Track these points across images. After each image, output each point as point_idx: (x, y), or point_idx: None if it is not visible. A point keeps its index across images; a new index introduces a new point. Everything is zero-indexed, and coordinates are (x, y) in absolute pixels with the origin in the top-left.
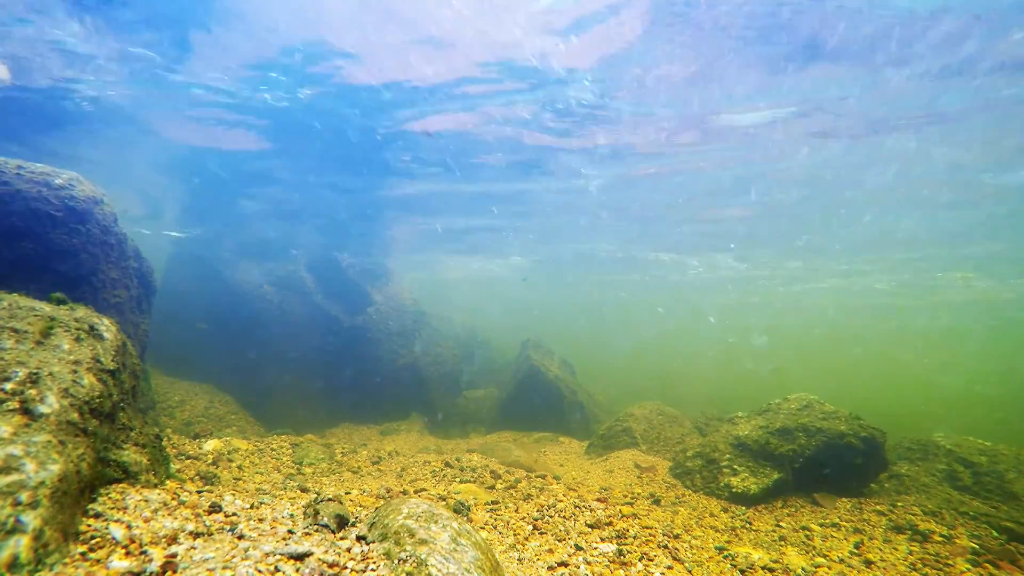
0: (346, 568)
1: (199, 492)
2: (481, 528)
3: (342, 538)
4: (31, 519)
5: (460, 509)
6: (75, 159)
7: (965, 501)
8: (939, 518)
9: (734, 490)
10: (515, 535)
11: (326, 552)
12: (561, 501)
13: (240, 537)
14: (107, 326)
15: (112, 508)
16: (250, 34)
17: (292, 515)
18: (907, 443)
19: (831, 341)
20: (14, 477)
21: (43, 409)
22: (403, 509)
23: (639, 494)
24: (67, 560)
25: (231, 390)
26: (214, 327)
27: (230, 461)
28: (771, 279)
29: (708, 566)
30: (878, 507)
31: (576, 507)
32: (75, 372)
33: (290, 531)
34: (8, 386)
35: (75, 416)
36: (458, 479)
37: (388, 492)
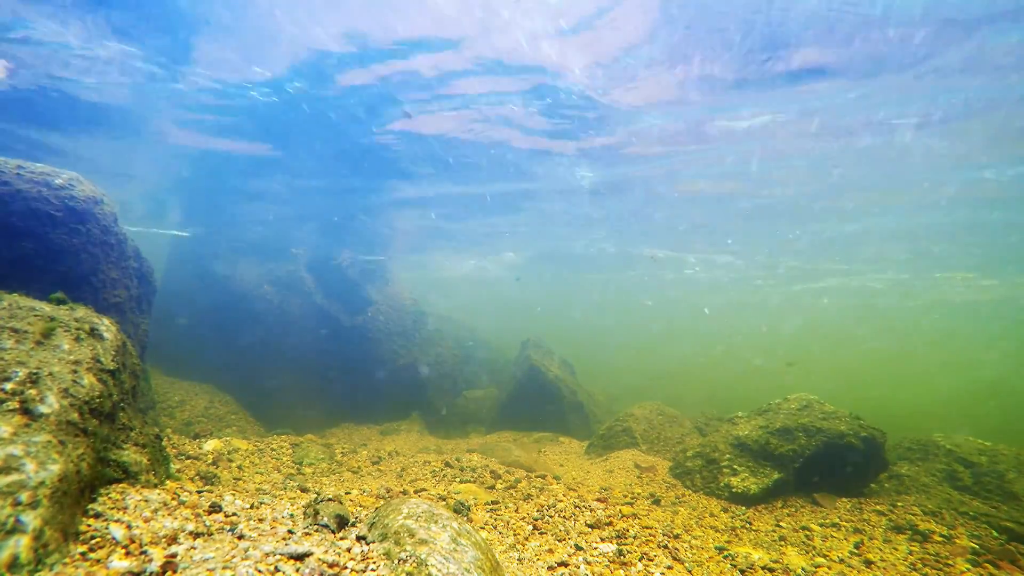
0: (346, 568)
1: (199, 492)
2: (481, 528)
3: (342, 538)
4: (31, 519)
5: (460, 509)
6: (75, 159)
7: (965, 501)
8: (939, 518)
9: (734, 490)
10: (515, 535)
11: (326, 552)
12: (561, 501)
13: (240, 537)
14: (107, 326)
15: (112, 508)
16: (248, 35)
17: (292, 515)
18: (907, 443)
19: (832, 341)
20: (14, 477)
21: (43, 409)
22: (403, 509)
23: (639, 494)
24: (67, 560)
25: (231, 390)
26: (214, 327)
27: (230, 461)
28: (767, 278)
29: (708, 566)
30: (878, 507)
31: (576, 507)
32: (75, 372)
33: (290, 531)
34: (8, 386)
35: (75, 416)
36: (458, 479)
37: (388, 492)
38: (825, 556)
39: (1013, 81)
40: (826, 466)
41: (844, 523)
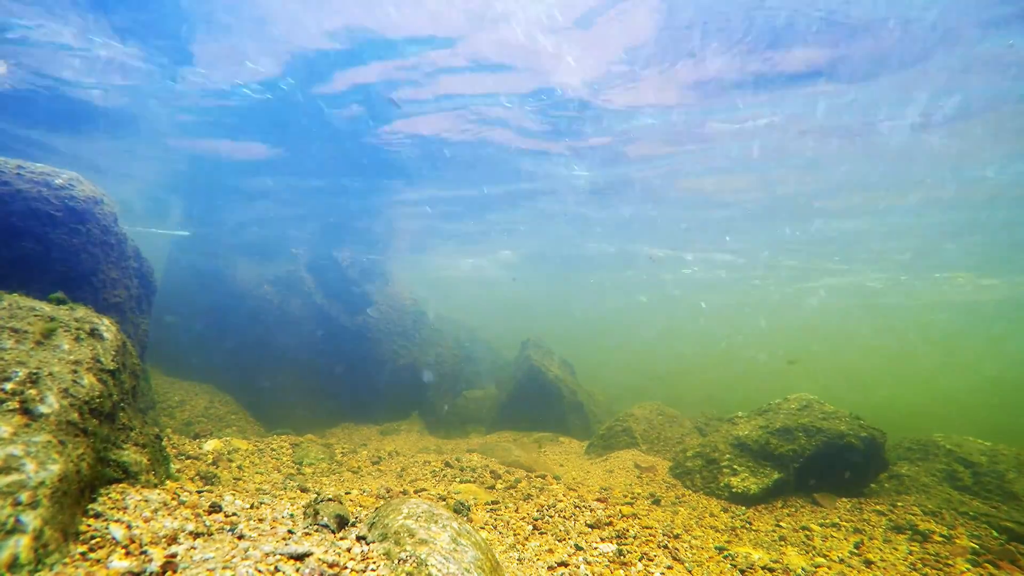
0: (346, 568)
1: (199, 492)
2: (481, 528)
3: (342, 538)
4: (31, 519)
5: (460, 509)
6: (73, 159)
7: (965, 501)
8: (939, 518)
9: (734, 490)
10: (515, 535)
11: (326, 552)
12: (561, 501)
13: (240, 537)
14: (107, 326)
15: (112, 508)
16: (246, 35)
17: (292, 515)
18: (907, 443)
19: (832, 340)
20: (14, 477)
21: (43, 409)
22: (403, 509)
23: (639, 494)
24: (67, 560)
25: (231, 390)
26: (214, 327)
27: (230, 461)
28: (766, 279)
29: (708, 566)
30: (878, 507)
31: (576, 507)
32: (75, 372)
33: (290, 531)
34: (8, 386)
35: (75, 416)
36: (458, 479)
37: (388, 492)
38: (825, 556)
39: (1014, 79)
40: (826, 466)
41: (844, 523)
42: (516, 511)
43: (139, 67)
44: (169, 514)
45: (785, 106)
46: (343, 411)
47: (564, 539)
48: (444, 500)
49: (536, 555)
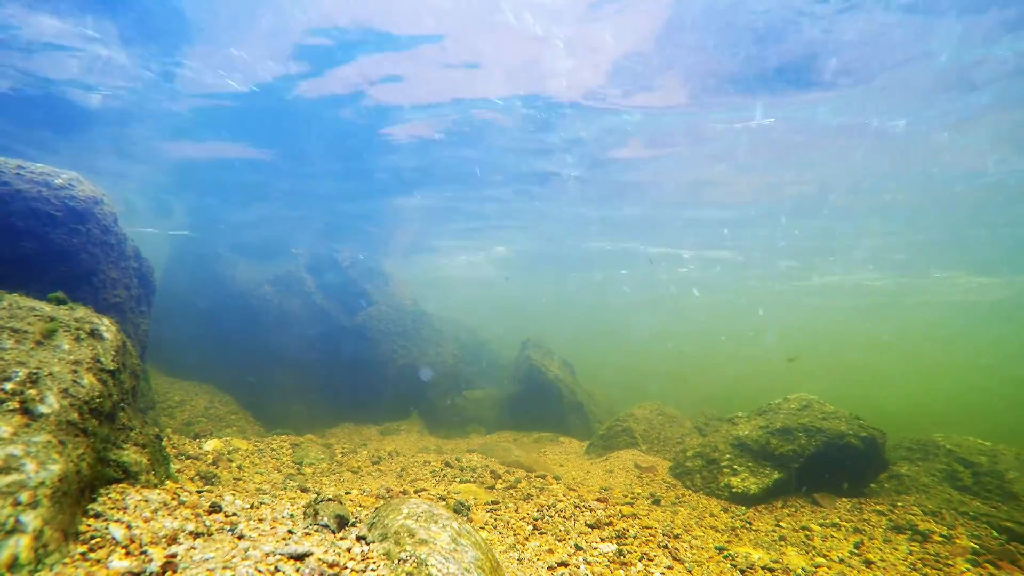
0: (346, 568)
1: (199, 492)
2: (481, 528)
3: (342, 538)
4: (31, 519)
5: (460, 509)
6: (72, 159)
7: (965, 501)
8: (939, 518)
9: (734, 490)
10: (515, 535)
11: (326, 552)
12: (561, 501)
13: (240, 537)
14: (107, 326)
15: (112, 508)
16: (245, 35)
17: (292, 515)
18: (907, 443)
19: (832, 339)
20: (14, 477)
21: (43, 409)
22: (403, 509)
23: (639, 494)
24: (67, 560)
25: (231, 390)
26: (214, 327)
27: (230, 461)
28: (764, 279)
29: (708, 566)
30: (878, 507)
31: (576, 507)
32: (75, 372)
33: (290, 531)
34: (8, 386)
35: (75, 416)
36: (458, 479)
37: (388, 492)
38: (825, 556)
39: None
40: (826, 466)
41: (844, 523)
42: (516, 511)
43: (138, 68)
44: (169, 514)
45: (785, 106)
46: (343, 411)
47: (564, 539)
48: (444, 500)
49: (536, 555)
